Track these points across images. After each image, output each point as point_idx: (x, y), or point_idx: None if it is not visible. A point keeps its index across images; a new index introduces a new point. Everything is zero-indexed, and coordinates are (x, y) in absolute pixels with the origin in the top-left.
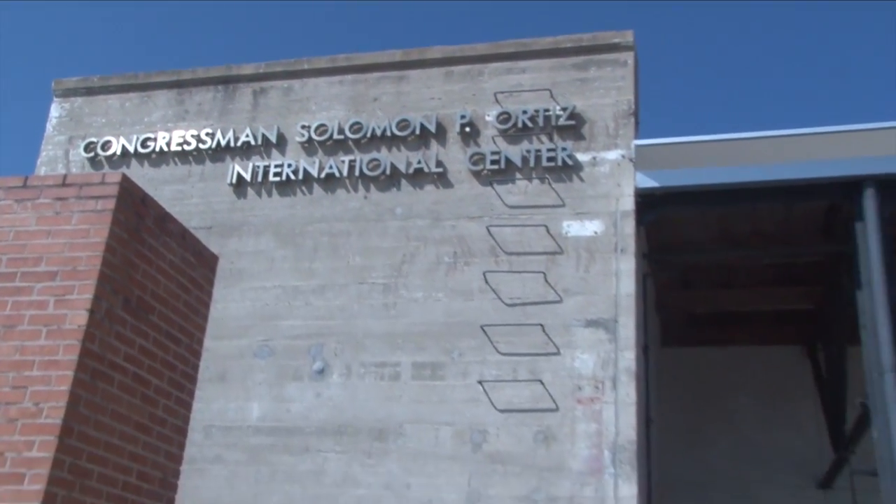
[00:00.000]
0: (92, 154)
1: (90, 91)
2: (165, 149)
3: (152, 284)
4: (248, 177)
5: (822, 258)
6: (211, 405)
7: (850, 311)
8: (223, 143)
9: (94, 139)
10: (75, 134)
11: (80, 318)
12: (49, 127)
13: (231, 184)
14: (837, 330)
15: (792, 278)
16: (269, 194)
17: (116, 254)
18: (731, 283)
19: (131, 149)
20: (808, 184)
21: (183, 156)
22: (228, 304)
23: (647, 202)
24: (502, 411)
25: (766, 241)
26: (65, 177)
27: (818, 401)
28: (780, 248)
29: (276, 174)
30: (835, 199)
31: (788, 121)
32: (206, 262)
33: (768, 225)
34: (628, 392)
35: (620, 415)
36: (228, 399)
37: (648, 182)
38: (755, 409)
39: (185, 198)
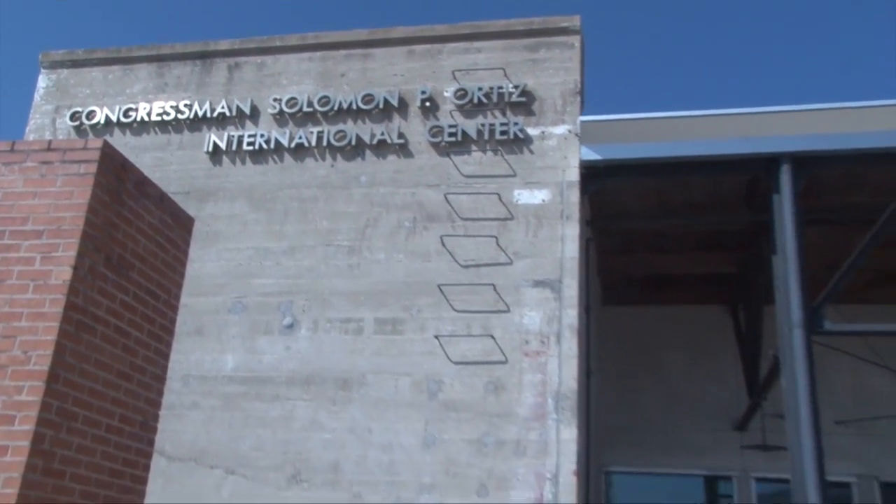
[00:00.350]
0: (77, 123)
1: (75, 63)
2: (146, 119)
3: (132, 243)
4: (223, 145)
5: (745, 227)
6: (189, 356)
7: (766, 274)
8: (200, 114)
9: (79, 109)
10: (61, 104)
11: (64, 274)
12: (37, 97)
13: (207, 152)
14: (756, 291)
15: (718, 244)
16: (243, 162)
17: (98, 214)
18: (664, 249)
19: (114, 118)
20: (733, 159)
21: (162, 125)
22: (205, 263)
23: (591, 173)
24: (456, 363)
25: (696, 211)
26: (50, 142)
27: (737, 354)
28: (708, 217)
29: (249, 143)
30: (756, 173)
31: (724, 99)
32: (182, 224)
33: (698, 196)
34: (571, 346)
35: (563, 367)
36: (205, 351)
37: (592, 155)
38: (683, 362)
39: (164, 165)
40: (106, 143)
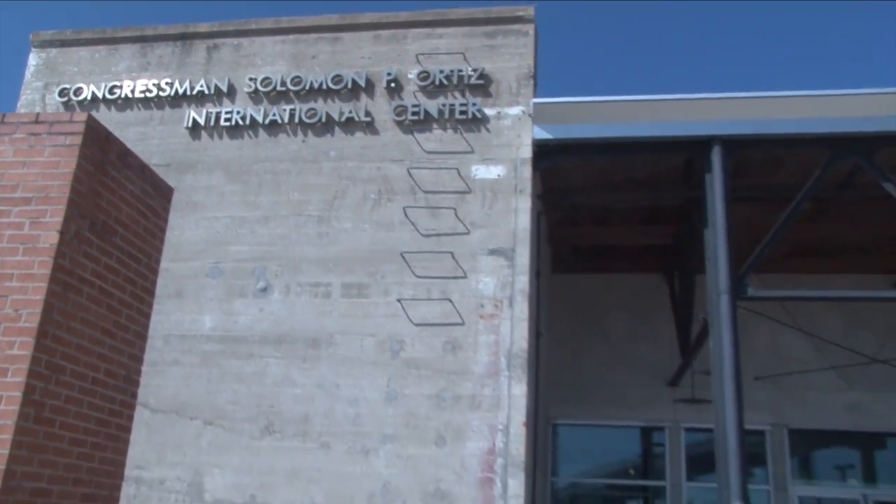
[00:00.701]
0: (65, 99)
1: (64, 43)
2: (130, 96)
3: (115, 211)
4: (202, 121)
5: (681, 202)
6: (170, 317)
7: (699, 246)
8: (180, 91)
9: (67, 86)
10: (51, 81)
11: (52, 238)
12: (28, 74)
13: (187, 127)
14: (689, 261)
15: (656, 218)
16: (220, 137)
17: (83, 183)
18: (608, 222)
19: (100, 95)
20: (671, 141)
21: (145, 102)
22: (185, 231)
23: (542, 151)
24: (417, 325)
25: (638, 187)
26: (38, 115)
27: (672, 318)
28: (649, 193)
29: (226, 120)
30: (691, 153)
31: (669, 84)
32: (162, 193)
33: (640, 173)
34: (522, 310)
35: (515, 328)
36: (184, 312)
37: (543, 134)
38: (623, 325)
39: (146, 139)
40: (90, 117)
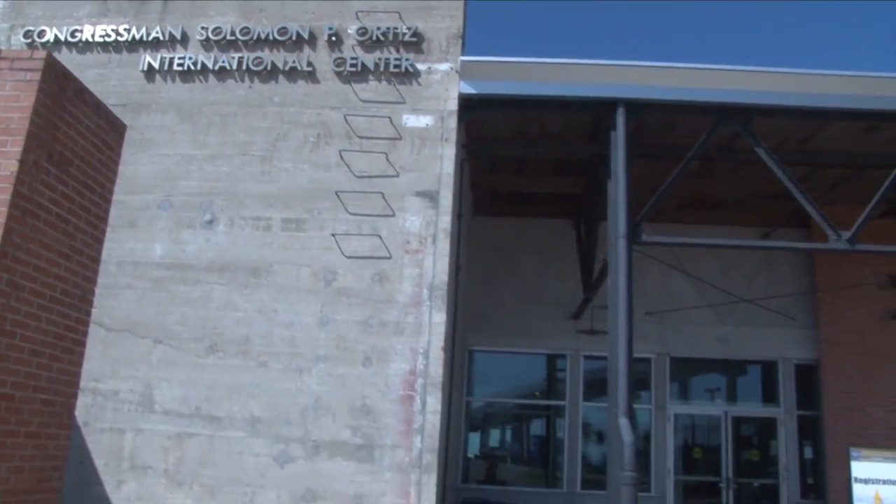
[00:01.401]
0: (29, 40)
1: None
2: (90, 39)
3: (71, 143)
4: (156, 66)
5: (588, 156)
6: (123, 245)
7: (602, 196)
8: (137, 37)
9: (31, 28)
10: (16, 23)
11: (12, 167)
12: None
13: (143, 71)
14: (594, 209)
15: (567, 170)
16: (173, 81)
17: (42, 116)
18: (524, 171)
19: (62, 38)
20: (582, 100)
21: (104, 46)
22: (138, 166)
23: (467, 105)
24: (349, 257)
25: (551, 141)
26: (0, 52)
27: (577, 259)
28: (560, 146)
29: (179, 65)
30: (599, 113)
31: (585, 48)
32: (116, 129)
33: (553, 128)
34: (444, 246)
35: (437, 263)
36: (137, 241)
37: (469, 89)
38: (535, 264)
39: (105, 80)
40: (49, 55)
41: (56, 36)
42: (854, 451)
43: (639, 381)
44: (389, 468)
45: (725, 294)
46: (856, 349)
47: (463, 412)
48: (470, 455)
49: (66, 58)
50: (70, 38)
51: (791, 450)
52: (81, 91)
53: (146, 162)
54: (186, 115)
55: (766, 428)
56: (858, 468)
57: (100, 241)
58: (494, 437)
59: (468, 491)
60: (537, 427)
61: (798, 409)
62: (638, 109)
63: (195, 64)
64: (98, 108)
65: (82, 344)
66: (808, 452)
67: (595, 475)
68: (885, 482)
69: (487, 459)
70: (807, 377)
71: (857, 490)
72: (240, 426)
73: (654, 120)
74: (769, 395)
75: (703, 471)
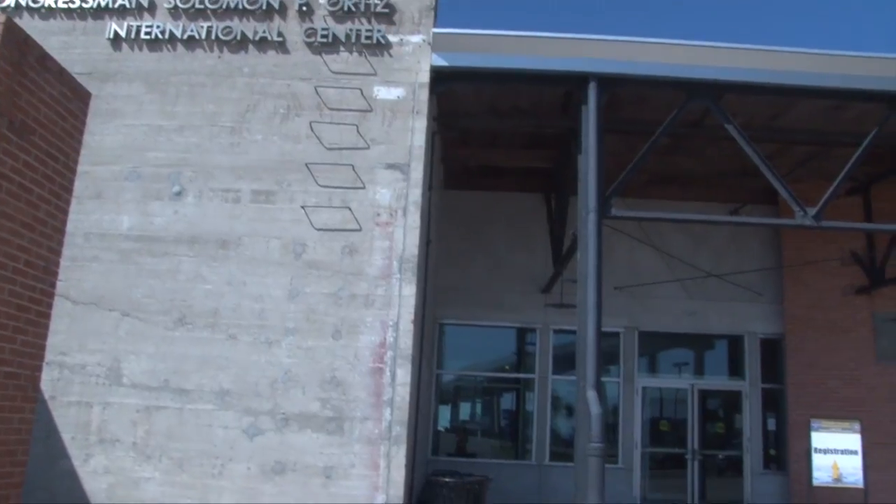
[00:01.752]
0: None
1: None
2: (53, 5)
3: (33, 111)
4: (123, 34)
5: (560, 131)
6: (90, 216)
7: (573, 170)
8: (103, 4)
9: None
10: None
11: None
12: None
13: (109, 38)
14: (564, 183)
15: (538, 144)
16: (140, 49)
17: (2, 83)
18: (495, 145)
19: (24, 3)
20: (553, 74)
21: (69, 13)
22: (105, 137)
23: (439, 77)
24: (319, 230)
25: (522, 115)
26: None
27: (547, 232)
28: (532, 120)
29: (146, 33)
30: (570, 87)
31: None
32: (80, 97)
33: (525, 102)
34: (414, 219)
35: (407, 236)
36: (104, 212)
37: (441, 62)
38: (505, 238)
39: (70, 48)
40: (9, 19)
41: (17, 1)
42: (814, 423)
43: (607, 355)
44: (359, 440)
45: (694, 269)
46: (819, 324)
47: (433, 385)
48: (440, 428)
49: (27, 24)
50: (32, 4)
51: (755, 422)
52: (43, 58)
53: (113, 132)
54: (154, 85)
55: (732, 401)
56: (818, 439)
57: (64, 211)
58: (465, 410)
59: (438, 463)
60: (507, 400)
61: (762, 382)
62: (609, 84)
63: (163, 32)
64: (61, 75)
65: (47, 316)
66: (771, 424)
67: (564, 448)
68: (842, 452)
69: (458, 432)
70: (771, 351)
71: (817, 460)
72: (209, 399)
73: (625, 95)
74: (735, 369)
75: (669, 443)
